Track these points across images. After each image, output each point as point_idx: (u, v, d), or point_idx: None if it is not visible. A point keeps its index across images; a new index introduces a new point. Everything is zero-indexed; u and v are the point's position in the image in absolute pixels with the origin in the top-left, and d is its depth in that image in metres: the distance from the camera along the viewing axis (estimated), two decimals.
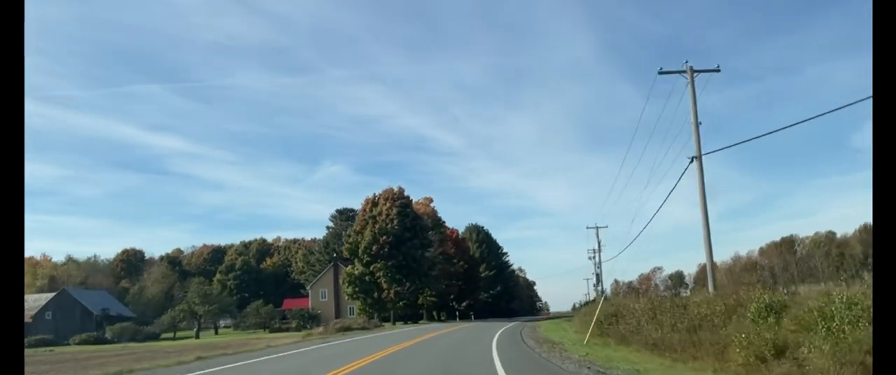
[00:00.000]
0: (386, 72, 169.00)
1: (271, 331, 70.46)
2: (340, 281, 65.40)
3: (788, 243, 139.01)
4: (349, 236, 61.15)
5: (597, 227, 58.87)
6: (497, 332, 33.48)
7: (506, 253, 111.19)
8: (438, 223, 72.61)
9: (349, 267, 62.61)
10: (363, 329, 47.21)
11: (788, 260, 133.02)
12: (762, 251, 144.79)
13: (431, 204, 73.69)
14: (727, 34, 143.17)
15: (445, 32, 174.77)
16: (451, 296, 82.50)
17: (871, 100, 5.30)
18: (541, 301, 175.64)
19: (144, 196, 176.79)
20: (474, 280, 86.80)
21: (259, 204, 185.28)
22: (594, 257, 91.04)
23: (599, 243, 59.38)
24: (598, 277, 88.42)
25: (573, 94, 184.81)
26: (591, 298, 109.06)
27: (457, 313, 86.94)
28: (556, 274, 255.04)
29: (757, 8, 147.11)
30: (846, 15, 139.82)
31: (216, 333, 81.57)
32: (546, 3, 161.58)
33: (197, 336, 72.11)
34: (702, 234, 19.65)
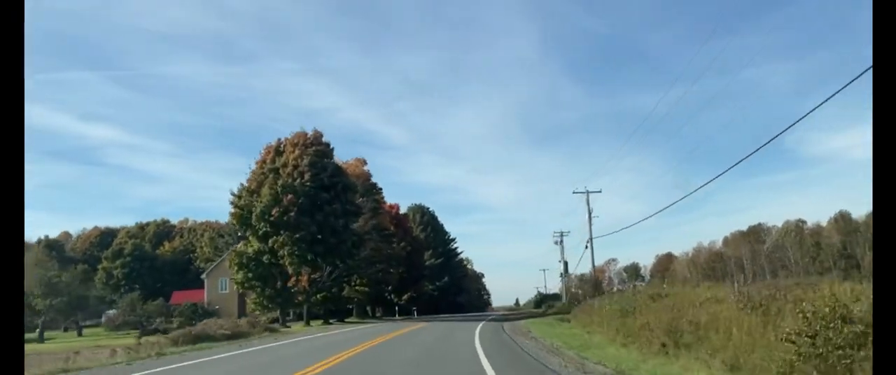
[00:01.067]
0: (331, 65, 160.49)
1: (145, 334, 52.96)
2: (227, 266, 46.93)
3: (755, 232, 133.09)
4: (238, 197, 41.89)
5: (588, 191, 43.62)
6: (477, 346, 17.57)
7: (454, 240, 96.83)
8: (373, 189, 54.85)
9: (240, 244, 44.23)
10: (234, 337, 28.14)
11: (757, 249, 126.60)
12: (727, 241, 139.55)
13: (364, 167, 55.12)
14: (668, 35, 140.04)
15: (392, 26, 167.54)
16: (389, 287, 65.67)
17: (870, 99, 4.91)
18: (489, 295, 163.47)
19: (77, 187, 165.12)
20: (418, 267, 70.51)
21: (198, 197, 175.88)
22: (560, 241, 76.70)
23: (590, 213, 44.17)
24: (567, 266, 73.88)
25: (518, 91, 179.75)
26: (548, 290, 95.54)
27: (396, 308, 70.91)
28: (497, 266, 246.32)
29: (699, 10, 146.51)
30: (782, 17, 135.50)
31: (79, 335, 63.42)
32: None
33: (40, 340, 53.54)
34: None
